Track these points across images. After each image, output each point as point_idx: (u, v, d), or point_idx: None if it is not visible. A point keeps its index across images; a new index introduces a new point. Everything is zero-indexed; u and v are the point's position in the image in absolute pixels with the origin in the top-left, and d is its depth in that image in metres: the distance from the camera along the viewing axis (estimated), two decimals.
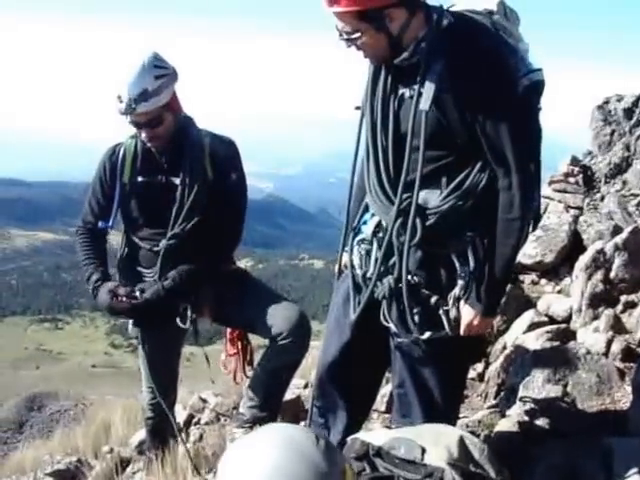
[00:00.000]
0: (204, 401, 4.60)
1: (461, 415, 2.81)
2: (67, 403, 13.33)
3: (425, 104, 1.96)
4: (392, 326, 2.21)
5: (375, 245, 2.20)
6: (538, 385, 2.87)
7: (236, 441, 1.60)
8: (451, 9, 2.08)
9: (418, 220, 2.04)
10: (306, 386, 4.08)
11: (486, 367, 3.55)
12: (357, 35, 1.95)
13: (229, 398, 4.37)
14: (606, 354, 3.05)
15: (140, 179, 2.97)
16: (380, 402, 3.36)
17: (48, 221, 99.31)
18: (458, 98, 1.96)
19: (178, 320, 3.05)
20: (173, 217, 2.93)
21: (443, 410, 2.28)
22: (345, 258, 2.38)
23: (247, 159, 3.09)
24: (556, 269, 4.19)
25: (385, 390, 3.35)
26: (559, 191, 4.74)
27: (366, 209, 2.27)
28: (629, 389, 2.76)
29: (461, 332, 2.14)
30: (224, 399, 4.42)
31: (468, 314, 2.12)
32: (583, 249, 4.00)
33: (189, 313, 3.03)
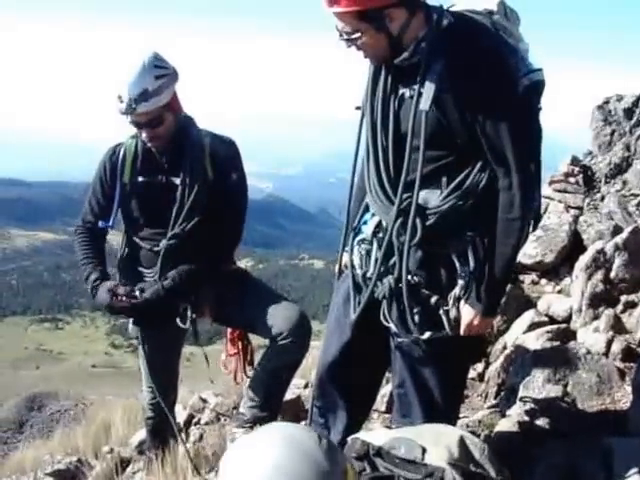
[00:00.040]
0: (204, 401, 4.60)
1: (461, 415, 2.81)
2: (67, 403, 13.31)
3: (425, 104, 1.96)
4: (392, 326, 2.21)
5: (375, 245, 2.20)
6: (538, 385, 2.87)
7: (237, 440, 1.59)
8: (451, 9, 2.08)
9: (418, 220, 2.04)
10: (306, 386, 4.08)
11: (486, 367, 3.55)
12: (357, 35, 1.95)
13: (229, 398, 4.37)
14: (606, 354, 3.05)
15: (140, 179, 2.97)
16: (380, 402, 3.36)
17: (48, 221, 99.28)
18: (458, 98, 1.96)
19: (178, 320, 3.05)
20: (173, 217, 2.93)
21: (443, 410, 2.28)
22: (345, 258, 2.38)
23: (247, 159, 3.10)
24: (556, 269, 4.19)
25: (385, 390, 3.35)
26: (559, 191, 4.74)
27: (366, 209, 2.27)
28: (629, 389, 2.76)
29: (461, 332, 2.14)
30: (224, 399, 4.42)
31: (468, 314, 2.12)
32: (583, 249, 4.00)
33: (189, 313, 3.03)
